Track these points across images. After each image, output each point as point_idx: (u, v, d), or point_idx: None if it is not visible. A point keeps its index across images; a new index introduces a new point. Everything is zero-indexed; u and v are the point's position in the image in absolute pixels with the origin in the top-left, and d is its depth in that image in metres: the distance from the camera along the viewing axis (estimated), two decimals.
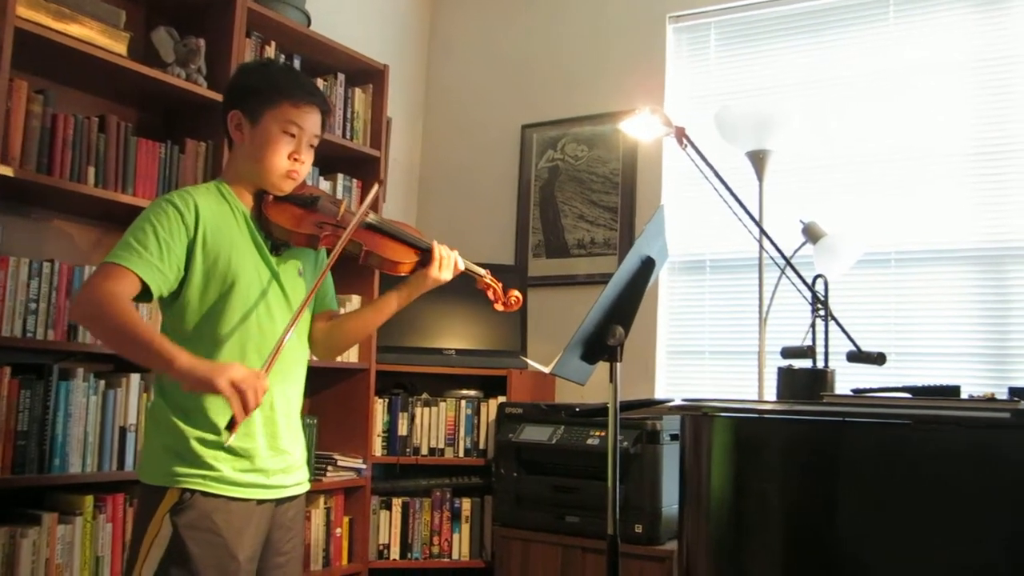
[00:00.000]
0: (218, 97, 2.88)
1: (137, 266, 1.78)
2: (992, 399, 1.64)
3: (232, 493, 1.86)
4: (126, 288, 1.77)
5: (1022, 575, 1.48)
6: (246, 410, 1.70)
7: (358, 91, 3.60)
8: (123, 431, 2.66)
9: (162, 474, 1.84)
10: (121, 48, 2.67)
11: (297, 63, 3.36)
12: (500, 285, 2.20)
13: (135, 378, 2.70)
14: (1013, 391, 1.52)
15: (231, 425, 1.72)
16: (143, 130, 2.87)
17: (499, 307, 2.20)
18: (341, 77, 3.52)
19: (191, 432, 1.85)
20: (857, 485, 1.61)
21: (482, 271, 2.18)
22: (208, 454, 1.85)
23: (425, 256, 2.07)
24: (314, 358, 2.17)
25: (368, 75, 3.63)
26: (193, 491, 1.82)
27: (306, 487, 2.07)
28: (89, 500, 2.54)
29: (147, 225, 1.83)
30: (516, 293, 2.20)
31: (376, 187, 2.11)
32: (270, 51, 3.21)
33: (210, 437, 1.85)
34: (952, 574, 1.54)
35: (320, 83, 3.44)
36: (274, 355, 1.80)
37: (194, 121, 2.95)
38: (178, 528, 1.80)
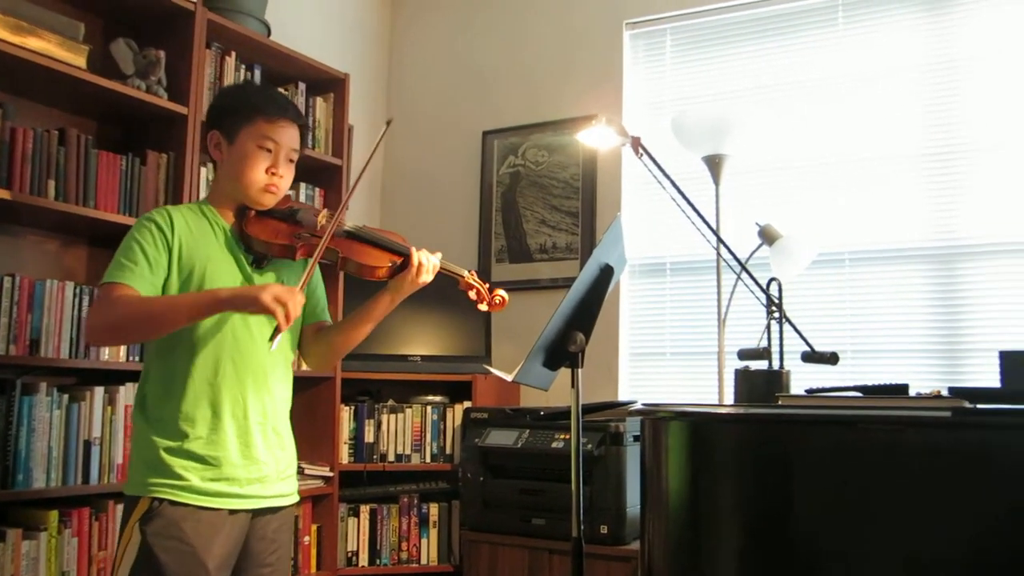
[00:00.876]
0: (179, 109, 2.92)
1: (130, 279, 1.87)
2: (938, 396, 1.70)
3: (200, 502, 1.88)
4: (128, 292, 1.86)
5: (966, 571, 1.54)
6: (287, 320, 1.80)
7: (319, 100, 3.62)
8: (87, 445, 2.65)
9: (136, 484, 1.91)
10: (80, 61, 2.67)
11: (257, 73, 3.37)
12: (485, 285, 2.17)
13: (99, 391, 2.69)
14: (953, 391, 1.58)
15: (274, 335, 1.84)
16: (104, 143, 2.87)
17: (483, 307, 2.17)
18: (302, 86, 3.54)
19: (160, 442, 1.90)
20: (807, 484, 1.66)
21: (464, 271, 2.16)
22: (176, 463, 1.88)
23: (403, 260, 2.09)
24: (305, 368, 2.20)
25: (329, 84, 3.65)
26: (162, 500, 1.86)
27: (293, 499, 2.10)
28: (54, 515, 2.54)
29: (133, 244, 1.92)
30: (501, 292, 2.16)
31: (386, 127, 2.19)
32: (230, 61, 3.22)
33: (178, 446, 1.89)
34: (901, 570, 1.60)
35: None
36: (306, 277, 1.93)
37: (155, 133, 2.96)
38: (146, 536, 1.84)
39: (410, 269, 2.06)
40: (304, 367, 2.21)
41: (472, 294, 2.16)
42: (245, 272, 2.02)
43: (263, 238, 2.01)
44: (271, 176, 2.01)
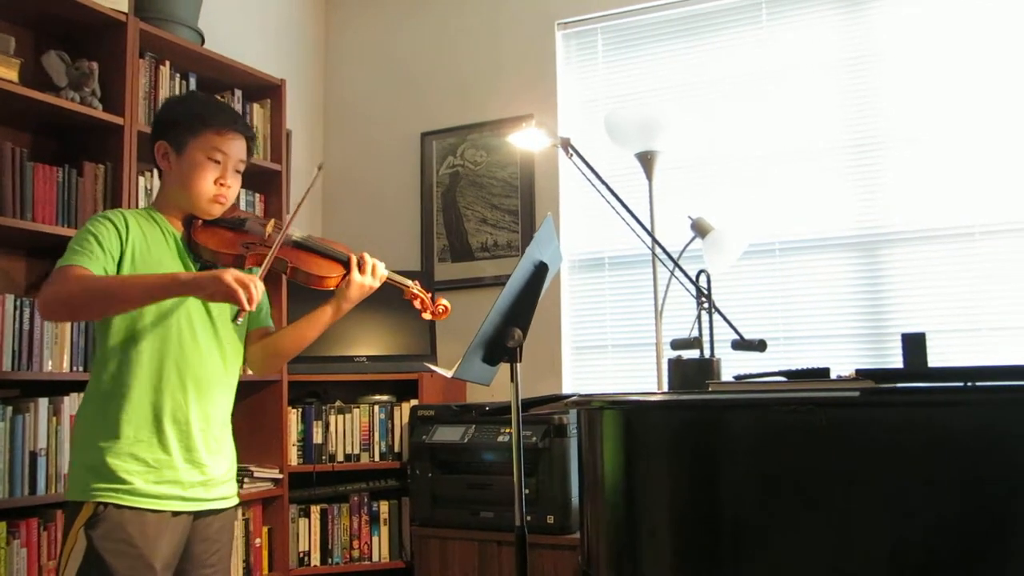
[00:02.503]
0: (115, 119, 2.93)
1: (85, 262, 1.88)
2: (853, 379, 1.80)
3: (144, 505, 1.92)
4: (84, 272, 1.87)
5: (886, 544, 1.65)
6: (250, 302, 1.81)
7: (256, 106, 3.64)
8: (33, 456, 2.66)
9: (80, 489, 1.93)
10: (12, 75, 2.67)
11: (193, 81, 3.38)
12: (428, 295, 2.26)
13: (43, 402, 2.70)
14: (861, 372, 1.69)
15: (237, 315, 1.85)
16: (39, 155, 2.87)
17: (427, 316, 2.25)
18: (238, 93, 3.55)
19: (104, 446, 1.92)
20: (733, 465, 1.76)
21: (408, 281, 2.24)
22: (121, 467, 1.91)
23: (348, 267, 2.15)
24: (250, 372, 2.24)
25: (265, 90, 3.67)
26: (107, 504, 1.89)
27: (233, 502, 2.14)
28: (2, 527, 2.55)
29: (88, 235, 1.94)
30: (444, 302, 2.26)
31: (316, 172, 2.17)
32: (165, 71, 3.23)
33: (122, 449, 1.92)
34: (825, 545, 1.70)
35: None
36: (272, 256, 1.97)
37: (91, 144, 2.96)
38: (92, 540, 1.87)
39: (353, 274, 2.12)
40: (250, 371, 2.24)
41: (416, 303, 2.25)
42: None
43: (212, 247, 2.05)
44: (219, 187, 2.06)
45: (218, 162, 2.05)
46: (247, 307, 1.82)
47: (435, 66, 4.33)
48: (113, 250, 1.94)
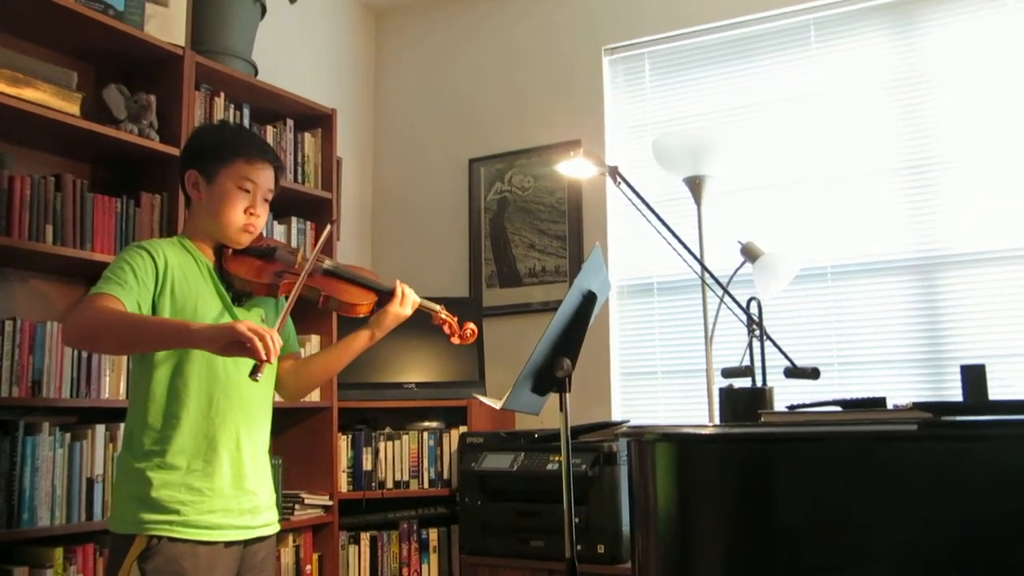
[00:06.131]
0: (171, 150, 2.99)
1: (119, 293, 1.88)
2: (910, 409, 1.76)
3: (198, 537, 1.92)
4: (115, 305, 1.87)
5: None
6: (267, 354, 1.75)
7: (307, 135, 3.69)
8: (90, 482, 2.70)
9: (129, 522, 1.91)
10: (74, 108, 2.74)
11: (246, 112, 3.45)
12: (455, 319, 2.29)
13: (100, 429, 2.74)
14: (918, 405, 1.65)
15: (255, 370, 1.79)
16: (99, 186, 2.93)
17: (456, 340, 2.30)
18: (290, 123, 3.61)
19: (156, 477, 1.92)
20: (789, 499, 1.73)
21: (437, 307, 2.27)
22: (173, 498, 1.91)
23: (384, 296, 2.18)
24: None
25: (316, 120, 3.73)
26: (160, 537, 1.89)
27: (275, 528, 2.14)
28: (59, 552, 2.58)
29: (124, 264, 1.95)
30: (471, 326, 2.30)
31: (328, 227, 2.22)
32: (219, 102, 3.29)
33: (173, 480, 1.92)
34: None
35: (270, 130, 3.54)
36: (285, 314, 1.99)
37: (148, 175, 3.03)
38: (146, 575, 1.86)
39: (393, 302, 2.15)
40: (279, 397, 2.26)
41: (445, 328, 2.29)
42: (229, 308, 2.07)
43: (245, 276, 2.07)
44: (249, 216, 2.08)
45: (248, 191, 2.07)
46: (264, 358, 1.76)
47: (482, 93, 4.36)
48: (148, 280, 1.94)
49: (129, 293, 1.90)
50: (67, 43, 2.94)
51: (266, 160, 2.11)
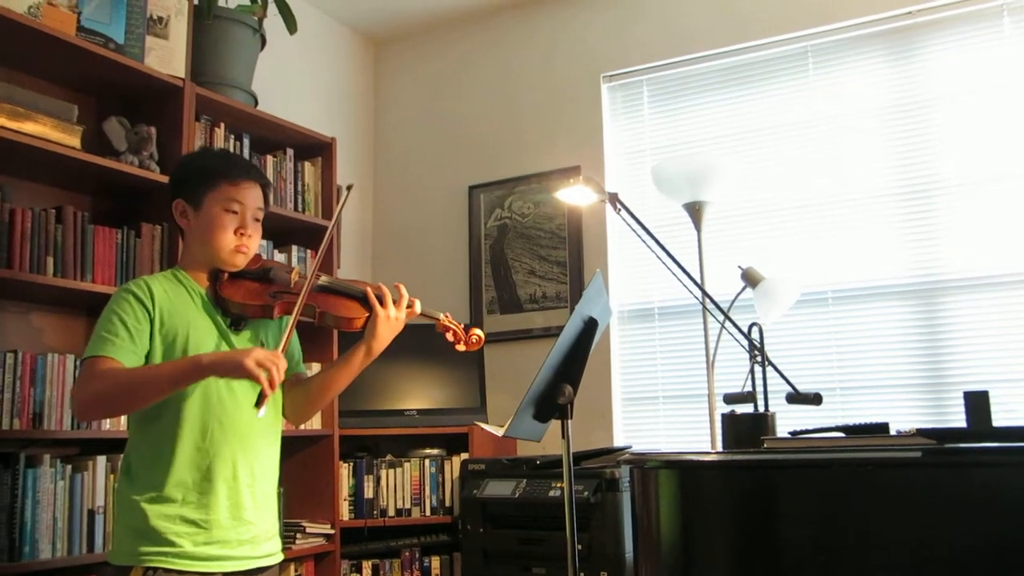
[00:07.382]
0: None
1: (112, 352, 1.88)
2: (913, 435, 1.76)
3: (196, 568, 1.90)
4: (113, 365, 1.88)
5: None
6: (271, 385, 1.80)
7: (307, 164, 3.71)
8: (91, 514, 2.69)
9: (127, 554, 1.91)
10: (75, 141, 2.75)
11: (246, 142, 3.46)
12: (460, 326, 2.23)
13: (101, 460, 2.74)
14: (922, 431, 1.65)
15: (260, 401, 1.82)
16: (99, 217, 2.94)
17: (461, 348, 2.23)
18: (290, 152, 3.63)
19: (151, 510, 1.91)
20: (792, 525, 1.72)
21: (440, 314, 2.22)
22: (169, 530, 1.90)
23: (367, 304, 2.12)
24: (304, 427, 2.22)
25: (316, 148, 3.75)
26: (156, 568, 1.87)
27: (278, 558, 2.11)
28: None
29: (113, 317, 1.94)
30: (477, 332, 2.23)
31: (346, 193, 2.12)
32: (220, 133, 3.31)
33: (169, 511, 1.91)
34: None
35: (270, 159, 3.56)
36: (288, 334, 1.96)
37: (149, 206, 3.04)
38: None
39: (376, 307, 2.09)
40: (303, 426, 2.24)
41: (449, 335, 2.23)
42: (224, 334, 2.05)
43: (239, 300, 2.05)
44: (240, 237, 2.06)
45: (235, 212, 2.05)
46: (268, 389, 1.80)
47: (481, 120, 4.38)
48: (142, 329, 1.94)
49: (124, 350, 1.90)
50: (68, 76, 2.96)
51: (250, 179, 2.10)
